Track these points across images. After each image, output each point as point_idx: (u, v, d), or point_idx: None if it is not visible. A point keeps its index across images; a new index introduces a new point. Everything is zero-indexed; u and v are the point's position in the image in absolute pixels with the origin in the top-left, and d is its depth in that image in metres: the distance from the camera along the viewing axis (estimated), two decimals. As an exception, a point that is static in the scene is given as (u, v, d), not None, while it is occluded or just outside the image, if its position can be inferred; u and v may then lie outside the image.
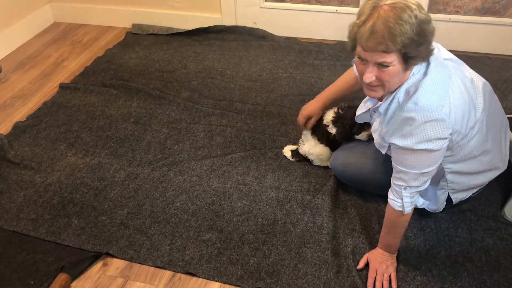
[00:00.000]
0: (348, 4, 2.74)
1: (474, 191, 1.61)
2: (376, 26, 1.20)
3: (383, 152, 1.49)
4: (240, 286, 1.53)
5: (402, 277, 1.52)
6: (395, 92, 1.34)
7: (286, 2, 2.83)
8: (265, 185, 1.87)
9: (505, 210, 1.69)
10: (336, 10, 2.75)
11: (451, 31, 2.60)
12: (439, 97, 1.29)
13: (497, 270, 1.52)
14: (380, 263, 1.51)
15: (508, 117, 1.70)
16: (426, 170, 1.35)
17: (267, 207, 1.78)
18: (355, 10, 2.70)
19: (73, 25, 3.24)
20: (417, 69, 1.32)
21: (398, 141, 1.33)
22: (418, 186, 1.38)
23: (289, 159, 1.97)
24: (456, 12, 2.59)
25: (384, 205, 1.73)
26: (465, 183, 1.54)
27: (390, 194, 1.43)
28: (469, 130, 1.38)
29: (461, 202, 1.71)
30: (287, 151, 1.99)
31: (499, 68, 2.47)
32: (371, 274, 1.51)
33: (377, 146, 1.51)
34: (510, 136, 1.63)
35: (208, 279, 1.56)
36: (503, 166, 1.58)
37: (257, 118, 2.24)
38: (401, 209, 1.40)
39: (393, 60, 1.24)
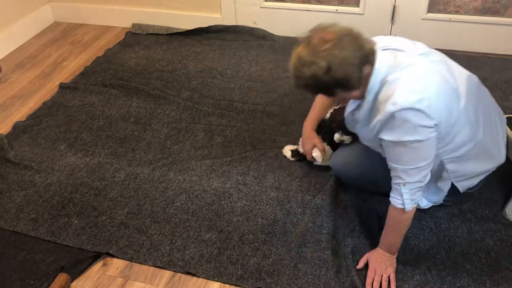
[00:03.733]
0: (348, 4, 2.74)
1: (481, 177, 1.58)
2: (290, 63, 1.32)
3: (381, 151, 1.50)
4: (240, 286, 1.53)
5: (402, 278, 1.52)
6: (370, 100, 1.37)
7: (286, 2, 2.83)
8: (265, 185, 1.87)
9: (506, 210, 1.69)
10: (336, 10, 2.75)
11: (451, 31, 2.61)
12: (416, 92, 1.28)
13: (496, 271, 1.52)
14: (380, 263, 1.51)
15: (508, 117, 1.70)
16: (420, 165, 1.34)
17: (267, 207, 1.78)
18: (355, 9, 2.71)
19: (73, 25, 3.24)
20: (380, 69, 1.33)
21: (386, 136, 1.34)
22: (418, 181, 1.37)
23: (289, 159, 1.97)
24: (456, 12, 2.59)
25: (384, 205, 1.74)
26: (468, 170, 1.52)
27: (391, 193, 1.43)
28: (455, 119, 1.37)
29: (461, 202, 1.72)
30: (287, 151, 1.99)
31: (499, 68, 2.48)
32: (370, 274, 1.51)
33: (372, 147, 1.53)
34: (507, 131, 1.63)
35: (208, 279, 1.56)
36: (500, 157, 1.56)
37: (257, 118, 2.24)
38: (402, 207, 1.40)
39: (317, 95, 1.34)
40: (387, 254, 1.52)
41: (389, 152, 1.38)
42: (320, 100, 1.83)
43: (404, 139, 1.30)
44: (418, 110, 1.27)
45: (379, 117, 1.32)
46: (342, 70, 1.25)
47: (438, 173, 1.51)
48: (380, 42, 1.41)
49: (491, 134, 1.52)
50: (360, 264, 1.55)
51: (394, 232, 1.49)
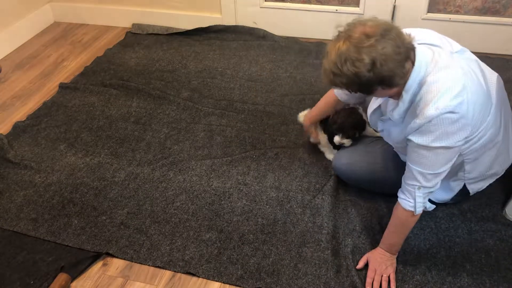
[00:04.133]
0: (348, 4, 2.74)
1: (491, 181, 1.60)
2: (324, 63, 1.27)
3: (401, 152, 1.50)
4: (240, 286, 1.53)
5: (402, 278, 1.52)
6: (406, 100, 1.32)
7: (286, 2, 2.83)
8: (265, 185, 1.87)
9: (506, 210, 1.69)
10: (336, 10, 2.75)
11: (451, 31, 2.60)
12: (457, 96, 1.25)
13: (496, 271, 1.52)
14: (380, 263, 1.51)
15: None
16: (439, 171, 1.34)
17: (267, 207, 1.78)
18: (355, 10, 2.71)
19: (73, 25, 3.24)
20: (420, 68, 1.28)
21: (415, 138, 1.31)
22: (431, 187, 1.37)
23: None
24: (456, 12, 2.59)
25: (384, 205, 1.74)
26: (482, 172, 1.53)
27: (401, 194, 1.42)
28: (486, 121, 1.37)
29: (461, 203, 1.72)
30: (302, 116, 2.00)
31: (499, 68, 2.44)
32: (370, 274, 1.51)
33: (395, 147, 1.53)
34: None
35: (208, 279, 1.56)
36: (508, 160, 1.59)
37: (257, 118, 2.24)
38: (412, 209, 1.39)
39: (352, 92, 1.30)
40: (388, 254, 1.52)
41: (412, 153, 1.35)
42: (324, 100, 1.82)
43: (433, 144, 1.28)
44: (457, 113, 1.24)
45: (418, 120, 1.28)
46: (387, 67, 1.19)
47: (454, 172, 1.51)
48: (415, 35, 1.33)
49: (506, 136, 1.53)
50: (360, 264, 1.55)
51: (398, 233, 1.48)
